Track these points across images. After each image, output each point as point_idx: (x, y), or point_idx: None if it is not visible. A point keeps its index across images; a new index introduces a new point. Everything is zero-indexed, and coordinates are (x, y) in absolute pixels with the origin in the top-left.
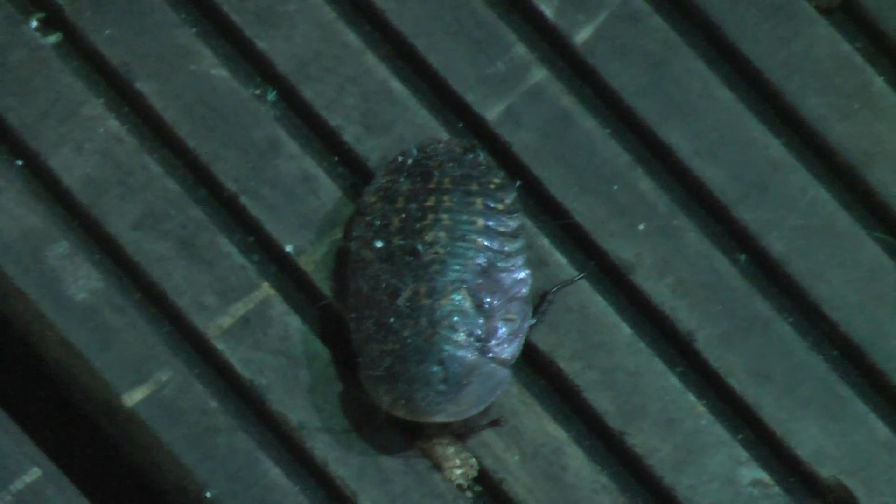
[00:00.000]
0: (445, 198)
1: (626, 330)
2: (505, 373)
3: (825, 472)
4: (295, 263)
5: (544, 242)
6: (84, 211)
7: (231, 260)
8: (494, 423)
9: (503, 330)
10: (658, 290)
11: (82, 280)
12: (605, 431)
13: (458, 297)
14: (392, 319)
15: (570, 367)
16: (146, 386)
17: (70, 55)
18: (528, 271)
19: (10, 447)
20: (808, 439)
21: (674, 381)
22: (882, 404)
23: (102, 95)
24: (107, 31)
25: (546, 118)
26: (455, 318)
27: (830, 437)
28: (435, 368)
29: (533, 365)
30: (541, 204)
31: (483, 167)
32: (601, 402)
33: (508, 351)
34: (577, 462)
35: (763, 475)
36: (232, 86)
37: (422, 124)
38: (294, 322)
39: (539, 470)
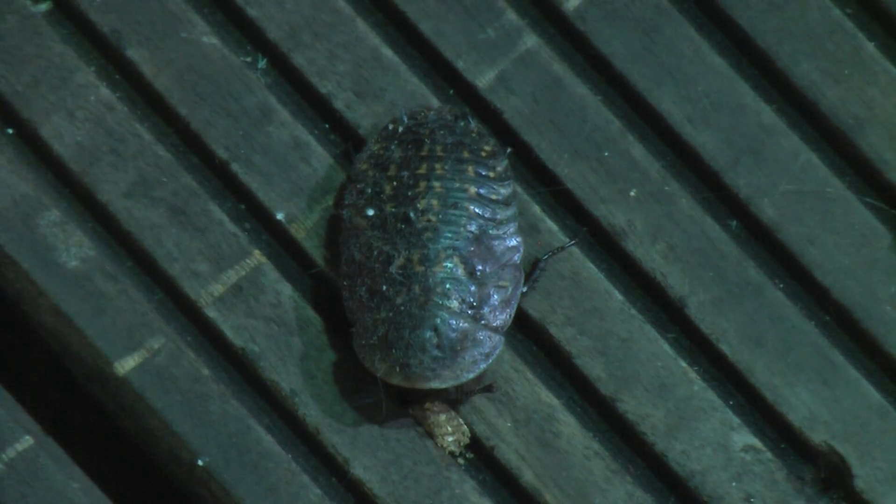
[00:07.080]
0: (437, 165)
1: (617, 296)
2: (498, 339)
3: (817, 437)
4: (286, 231)
5: (535, 209)
6: (76, 179)
7: (223, 227)
8: (487, 389)
9: (495, 297)
10: (650, 256)
11: (74, 248)
12: (597, 397)
13: (451, 265)
14: (385, 287)
15: (562, 333)
16: (138, 354)
17: (61, 23)
18: (519, 239)
19: (2, 415)
20: (800, 405)
21: (665, 346)
22: (874, 369)
23: (93, 63)
24: None
25: (537, 84)
26: (448, 286)
27: (822, 403)
28: (429, 335)
29: (525, 331)
30: (532, 170)
31: (475, 134)
32: (593, 368)
33: (501, 318)
34: (570, 428)
35: (755, 441)
36: (223, 53)
37: (413, 91)
38: (286, 289)
39: (531, 436)
